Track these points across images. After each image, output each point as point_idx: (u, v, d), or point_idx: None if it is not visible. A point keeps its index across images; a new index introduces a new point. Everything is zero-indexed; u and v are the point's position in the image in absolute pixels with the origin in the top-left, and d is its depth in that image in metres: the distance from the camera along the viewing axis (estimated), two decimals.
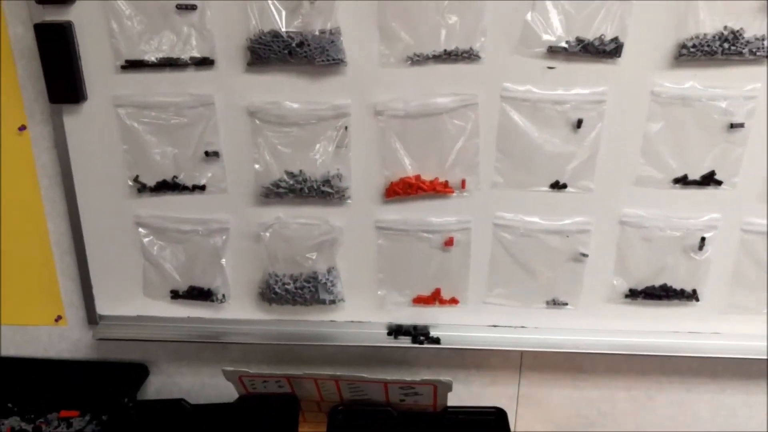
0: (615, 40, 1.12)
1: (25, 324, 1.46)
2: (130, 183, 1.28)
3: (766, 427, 1.48)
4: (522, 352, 1.43)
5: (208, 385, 1.50)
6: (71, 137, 1.26)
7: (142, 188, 1.28)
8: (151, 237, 1.33)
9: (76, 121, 1.24)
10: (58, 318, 1.44)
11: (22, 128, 1.28)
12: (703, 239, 1.26)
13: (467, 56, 1.15)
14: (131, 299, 1.39)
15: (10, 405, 1.42)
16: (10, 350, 1.48)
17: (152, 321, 1.40)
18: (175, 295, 1.37)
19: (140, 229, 1.32)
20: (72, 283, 1.40)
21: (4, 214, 1.35)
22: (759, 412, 1.47)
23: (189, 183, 1.27)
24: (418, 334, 1.36)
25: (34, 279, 1.40)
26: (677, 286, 1.31)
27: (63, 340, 1.47)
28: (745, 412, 1.47)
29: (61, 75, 1.19)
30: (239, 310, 1.38)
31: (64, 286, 1.41)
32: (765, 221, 1.25)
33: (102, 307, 1.40)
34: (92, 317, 1.41)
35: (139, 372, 1.45)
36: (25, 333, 1.47)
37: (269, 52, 1.15)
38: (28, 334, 1.47)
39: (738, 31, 1.10)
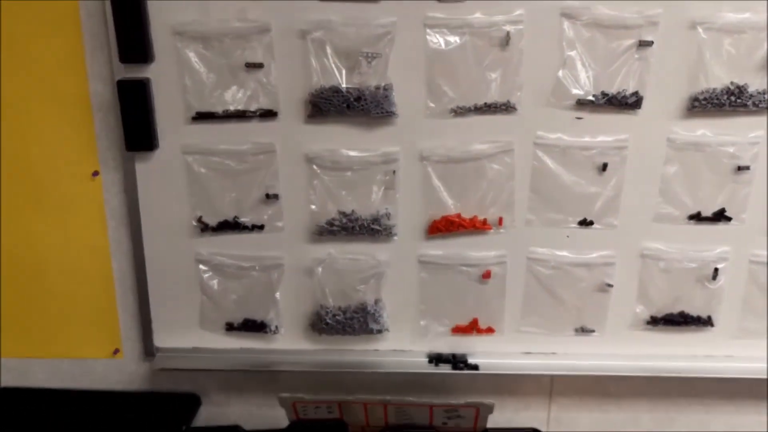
0: (635, 94, 1.27)
1: (83, 357, 1.54)
2: (194, 223, 1.39)
3: None
4: (553, 377, 1.53)
5: (256, 415, 1.57)
6: (141, 182, 1.37)
7: (204, 228, 1.39)
8: (211, 273, 1.43)
9: (147, 168, 1.36)
10: (116, 351, 1.53)
11: (95, 174, 1.39)
12: (716, 270, 1.39)
13: (505, 108, 1.29)
14: (187, 332, 1.48)
15: None
16: (67, 382, 1.55)
17: (207, 352, 1.48)
18: (230, 327, 1.47)
19: (200, 266, 1.42)
20: (131, 318, 1.49)
21: (71, 252, 1.45)
22: None
23: (249, 223, 1.39)
24: (458, 361, 1.46)
25: (96, 314, 1.49)
26: (694, 313, 1.43)
27: (118, 372, 1.54)
28: None
29: (138, 126, 1.31)
30: (290, 340, 1.48)
31: (123, 321, 1.49)
32: None
33: (159, 340, 1.49)
34: (149, 350, 1.49)
35: (192, 402, 1.53)
36: (81, 365, 1.54)
37: (329, 106, 1.28)
38: (85, 366, 1.54)
39: (743, 86, 1.26)
